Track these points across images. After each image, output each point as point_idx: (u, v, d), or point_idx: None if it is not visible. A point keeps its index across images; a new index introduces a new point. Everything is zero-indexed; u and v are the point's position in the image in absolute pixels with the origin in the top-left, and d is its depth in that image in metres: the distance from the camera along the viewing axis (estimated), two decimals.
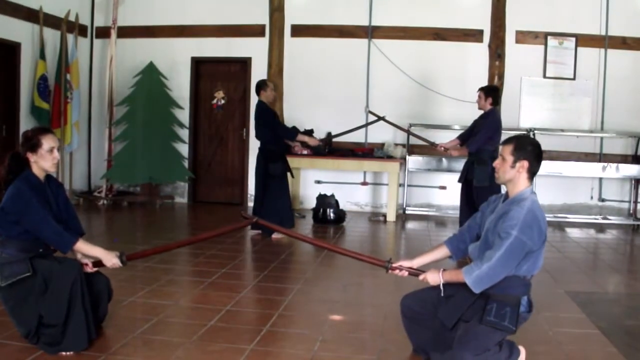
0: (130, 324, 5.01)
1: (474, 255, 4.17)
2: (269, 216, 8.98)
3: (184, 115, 12.56)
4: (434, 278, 4.14)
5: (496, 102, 8.57)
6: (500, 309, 3.90)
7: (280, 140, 9.37)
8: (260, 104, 9.22)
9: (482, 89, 8.59)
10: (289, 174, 9.40)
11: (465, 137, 8.74)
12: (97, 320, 4.70)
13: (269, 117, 9.12)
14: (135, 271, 6.77)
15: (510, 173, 4.05)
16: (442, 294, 4.10)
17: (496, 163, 4.13)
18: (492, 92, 8.54)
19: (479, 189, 8.26)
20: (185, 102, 12.61)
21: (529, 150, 4.04)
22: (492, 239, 3.99)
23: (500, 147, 4.14)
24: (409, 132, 10.34)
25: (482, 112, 8.56)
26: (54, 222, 4.42)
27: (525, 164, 4.01)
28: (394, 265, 4.38)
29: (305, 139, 9.58)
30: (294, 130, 9.46)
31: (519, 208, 3.88)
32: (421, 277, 4.21)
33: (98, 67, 12.83)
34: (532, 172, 4.06)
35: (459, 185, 8.70)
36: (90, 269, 4.62)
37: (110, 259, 4.56)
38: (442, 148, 8.96)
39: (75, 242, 4.50)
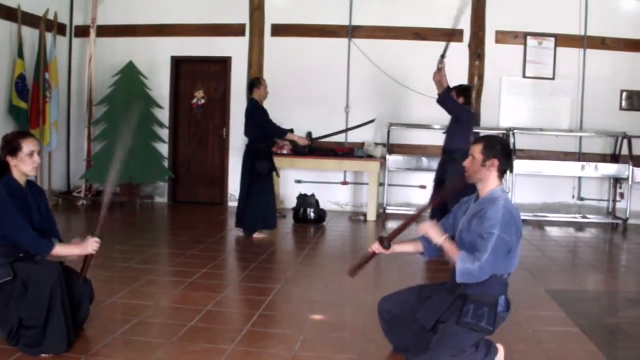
0: (110, 324, 4.99)
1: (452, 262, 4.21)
2: (253, 215, 9.01)
3: (163, 114, 12.51)
4: (436, 236, 4.12)
5: (468, 101, 8.70)
6: (478, 309, 3.92)
7: (269, 139, 9.39)
8: (252, 102, 9.21)
9: (454, 88, 8.67)
10: (274, 173, 9.42)
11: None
12: (78, 323, 4.68)
13: (261, 115, 9.09)
14: (115, 272, 6.75)
15: (481, 172, 4.09)
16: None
17: (466, 162, 4.18)
18: (464, 92, 8.74)
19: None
20: (165, 101, 12.56)
21: (498, 149, 4.10)
22: (466, 239, 4.03)
23: (471, 147, 4.18)
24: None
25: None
26: (31, 229, 4.39)
27: (495, 162, 4.07)
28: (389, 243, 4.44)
29: (295, 138, 9.55)
30: (284, 130, 9.43)
31: (495, 207, 3.91)
32: (423, 227, 4.21)
33: (77, 66, 12.76)
34: (502, 171, 4.11)
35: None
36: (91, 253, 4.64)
37: (87, 247, 4.55)
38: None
39: (52, 248, 4.47)
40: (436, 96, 8.56)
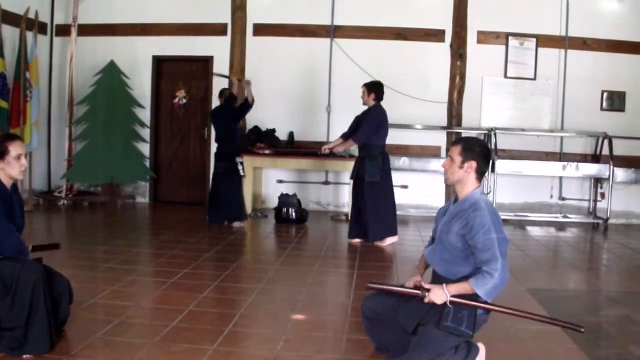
0: (91, 325, 4.96)
1: (430, 259, 4.22)
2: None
3: (145, 114, 12.48)
4: (440, 295, 3.93)
5: (380, 97, 9.01)
6: (457, 312, 3.90)
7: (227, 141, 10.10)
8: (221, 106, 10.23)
9: (365, 85, 9.08)
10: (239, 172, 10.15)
11: (349, 134, 9.13)
12: (59, 323, 4.65)
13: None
14: (97, 272, 6.72)
15: (459, 174, 4.10)
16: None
17: (445, 164, 4.18)
18: (375, 88, 9.03)
19: (370, 184, 8.77)
20: (147, 101, 12.52)
21: (477, 151, 4.09)
22: (446, 241, 4.04)
23: (450, 148, 4.19)
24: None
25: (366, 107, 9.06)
26: (17, 233, 4.39)
27: (474, 164, 4.07)
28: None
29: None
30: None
31: (481, 213, 3.91)
32: (426, 300, 3.98)
33: (58, 65, 12.69)
34: (481, 173, 4.11)
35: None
36: None
37: None
38: (327, 150, 9.41)
39: (27, 254, 4.50)
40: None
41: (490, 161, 4.20)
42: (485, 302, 3.92)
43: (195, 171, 12.74)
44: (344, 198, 12.09)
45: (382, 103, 8.96)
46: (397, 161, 11.46)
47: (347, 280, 6.89)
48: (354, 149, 11.34)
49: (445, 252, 4.05)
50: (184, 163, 12.80)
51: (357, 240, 8.99)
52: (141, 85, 12.49)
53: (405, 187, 11.81)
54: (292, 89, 12.13)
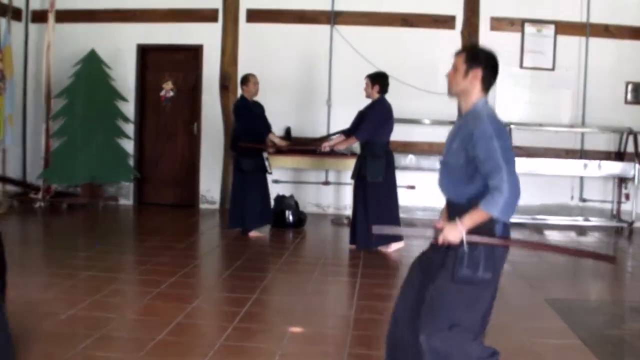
0: (70, 339, 4.96)
1: (440, 186, 4.08)
2: (246, 216, 9.62)
3: (128, 108, 12.46)
4: (454, 232, 3.75)
5: (384, 89, 9.02)
6: (472, 252, 3.68)
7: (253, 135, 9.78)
8: (237, 100, 10.04)
9: (368, 76, 9.08)
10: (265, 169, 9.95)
11: (351, 130, 9.13)
12: None
13: (238, 116, 9.77)
14: (76, 281, 6.72)
15: (463, 84, 3.98)
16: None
17: (448, 73, 4.07)
18: (379, 79, 9.01)
19: (372, 185, 8.77)
20: (131, 93, 12.51)
21: (483, 58, 4.00)
22: (450, 160, 3.94)
23: (454, 58, 4.09)
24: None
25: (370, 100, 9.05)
26: None
27: (479, 73, 3.97)
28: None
29: (276, 140, 10.13)
30: (260, 134, 9.89)
31: (481, 123, 3.79)
32: (440, 240, 3.81)
33: (34, 54, 12.69)
34: (487, 84, 4.02)
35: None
36: None
37: None
38: (327, 148, 9.33)
39: None
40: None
41: (498, 73, 4.09)
42: (505, 237, 3.81)
43: (184, 170, 12.73)
44: (346, 200, 12.07)
45: (387, 96, 8.96)
46: (402, 159, 11.43)
47: (349, 290, 6.90)
48: (357, 146, 11.37)
49: (450, 173, 3.96)
50: (172, 162, 12.79)
51: (351, 247, 9.00)
52: (125, 77, 12.47)
53: (412, 187, 11.81)
54: (289, 80, 12.11)
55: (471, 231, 3.71)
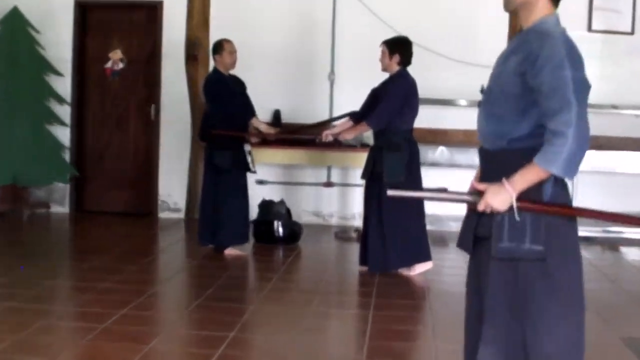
0: None
1: (478, 124, 3.95)
2: (221, 228, 9.26)
3: (64, 85, 12.45)
4: (501, 196, 3.60)
5: (407, 60, 8.99)
6: (513, 219, 3.65)
7: (232, 120, 9.64)
8: (210, 74, 9.95)
9: (385, 43, 9.02)
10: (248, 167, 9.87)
11: (362, 115, 9.11)
12: None
13: (209, 93, 9.64)
14: None
15: None
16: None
17: None
18: (400, 47, 8.96)
19: (390, 187, 8.50)
20: (66, 65, 12.51)
21: None
22: (495, 88, 3.86)
23: None
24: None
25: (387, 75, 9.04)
26: None
27: None
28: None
29: (263, 126, 10.10)
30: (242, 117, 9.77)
31: (552, 42, 3.63)
32: (481, 207, 3.67)
33: None
34: None
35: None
36: None
37: None
38: (329, 137, 9.33)
39: None
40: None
41: None
42: (567, 206, 3.67)
43: (138, 168, 12.78)
44: (355, 207, 12.09)
45: (410, 69, 8.96)
46: (430, 153, 11.45)
47: (359, 326, 6.88)
48: (369, 135, 11.36)
49: (494, 105, 3.84)
50: (122, 156, 12.82)
51: (362, 268, 8.99)
52: (58, 43, 12.48)
53: (442, 190, 11.79)
54: (278, 50, 12.13)
55: (522, 194, 3.56)
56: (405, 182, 8.54)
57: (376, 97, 8.92)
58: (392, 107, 8.68)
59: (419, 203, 8.94)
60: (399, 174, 8.55)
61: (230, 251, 9.59)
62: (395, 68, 8.83)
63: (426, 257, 8.91)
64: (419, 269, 8.86)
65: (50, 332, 6.43)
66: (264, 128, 10.06)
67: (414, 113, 8.91)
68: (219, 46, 9.75)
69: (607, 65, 11.72)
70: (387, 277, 8.68)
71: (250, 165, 9.93)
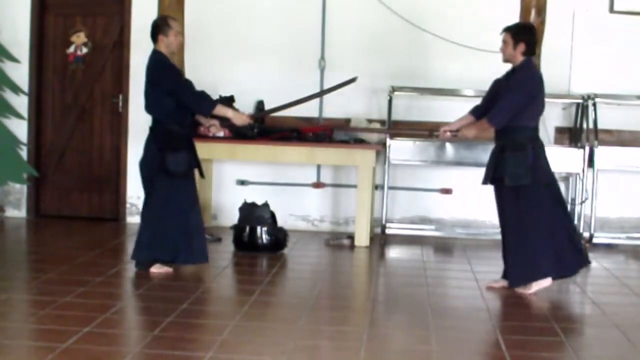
0: None
1: None
2: (163, 241, 9.01)
3: (20, 73, 12.38)
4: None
5: (532, 50, 8.81)
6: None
7: (187, 116, 9.33)
8: (154, 56, 9.34)
9: (508, 30, 8.77)
10: (197, 171, 9.45)
11: (484, 110, 8.96)
12: None
13: (169, 76, 9.18)
14: None
15: None
16: None
17: None
18: (525, 35, 8.77)
19: (514, 190, 8.57)
20: (23, 51, 12.48)
21: None
22: None
23: None
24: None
25: (510, 66, 8.79)
26: None
27: None
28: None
29: (229, 113, 9.51)
30: (210, 100, 9.40)
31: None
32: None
33: None
34: None
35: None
36: None
37: None
38: (448, 134, 9.20)
39: None
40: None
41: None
42: None
43: (104, 167, 12.77)
44: (348, 210, 12.05)
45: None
46: (434, 150, 11.41)
47: (353, 346, 6.85)
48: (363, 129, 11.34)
49: None
50: (85, 153, 12.82)
51: (499, 283, 8.90)
52: (13, 25, 12.49)
53: (447, 191, 11.80)
54: (261, 33, 12.15)
55: None
56: (532, 185, 8.45)
57: (498, 90, 8.84)
58: (516, 103, 8.55)
59: (547, 209, 8.72)
60: (522, 176, 8.45)
61: (156, 268, 9.20)
62: (520, 59, 8.66)
63: (546, 272, 8.75)
64: (535, 287, 8.68)
65: (3, 352, 6.38)
66: (231, 114, 9.45)
67: (540, 108, 8.81)
68: (165, 24, 9.34)
69: (632, 51, 11.73)
70: (384, 290, 8.67)
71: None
